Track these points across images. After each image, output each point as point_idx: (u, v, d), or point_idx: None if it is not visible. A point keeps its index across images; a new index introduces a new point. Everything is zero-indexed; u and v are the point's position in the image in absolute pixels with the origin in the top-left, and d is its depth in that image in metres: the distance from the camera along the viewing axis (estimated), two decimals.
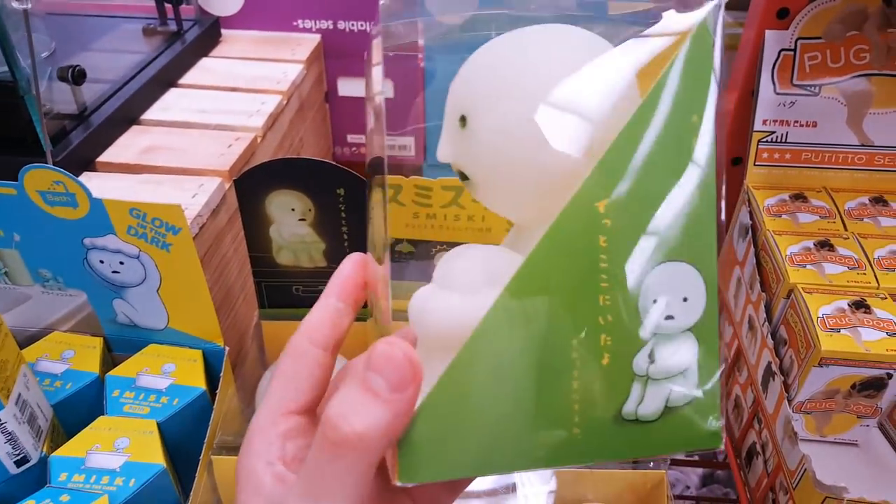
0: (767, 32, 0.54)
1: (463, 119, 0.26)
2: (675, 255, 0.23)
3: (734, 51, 0.63)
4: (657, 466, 0.50)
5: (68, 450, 0.45)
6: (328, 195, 0.54)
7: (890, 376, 0.45)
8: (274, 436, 0.24)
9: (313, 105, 0.78)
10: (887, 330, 0.45)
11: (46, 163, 0.49)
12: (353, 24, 0.81)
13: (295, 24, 0.81)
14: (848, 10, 0.53)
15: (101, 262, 0.49)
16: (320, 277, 0.59)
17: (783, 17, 0.54)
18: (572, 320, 0.23)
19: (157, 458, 0.45)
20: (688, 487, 0.77)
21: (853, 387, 0.46)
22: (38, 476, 0.44)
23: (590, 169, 0.23)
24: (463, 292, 0.24)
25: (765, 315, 0.51)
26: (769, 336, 0.50)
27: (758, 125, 0.56)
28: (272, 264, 0.58)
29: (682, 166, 0.24)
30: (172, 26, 0.73)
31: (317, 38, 0.80)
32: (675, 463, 0.93)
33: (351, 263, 0.28)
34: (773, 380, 0.49)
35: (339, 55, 0.83)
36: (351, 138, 0.87)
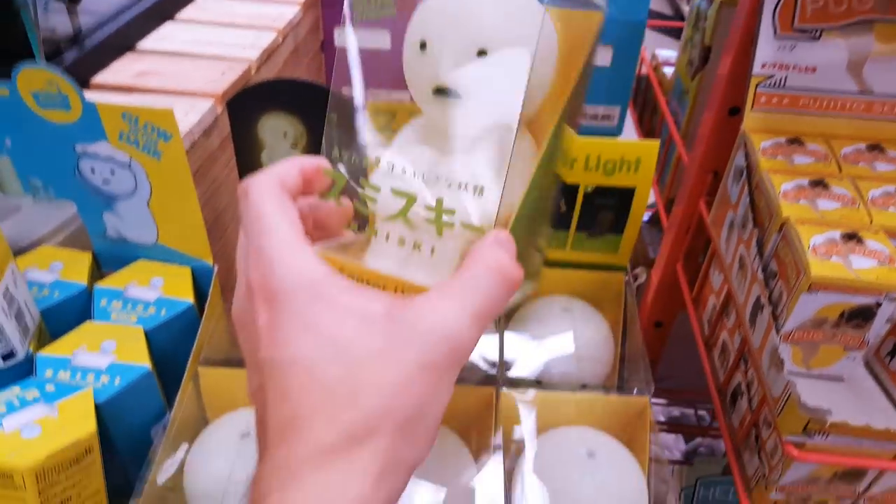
0: None
1: (423, 44, 0.33)
2: None
3: (734, 7, 0.63)
4: (641, 393, 0.50)
5: (54, 349, 0.45)
6: (321, 120, 0.54)
7: (879, 305, 0.45)
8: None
9: (308, 51, 0.77)
10: (879, 259, 0.45)
11: None
12: None
13: None
14: None
15: (93, 170, 0.48)
16: None
17: None
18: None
19: (143, 360, 0.45)
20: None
21: (842, 316, 0.46)
22: (24, 373, 0.44)
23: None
24: None
25: (756, 249, 0.51)
26: (760, 270, 0.50)
27: (756, 69, 0.56)
28: None
29: None
30: None
31: None
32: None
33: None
34: (762, 312, 0.49)
35: (335, 4, 0.82)
36: (346, 91, 0.87)
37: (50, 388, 0.41)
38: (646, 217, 0.97)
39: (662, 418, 1.02)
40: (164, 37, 0.64)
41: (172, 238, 0.52)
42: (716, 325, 0.61)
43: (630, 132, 0.91)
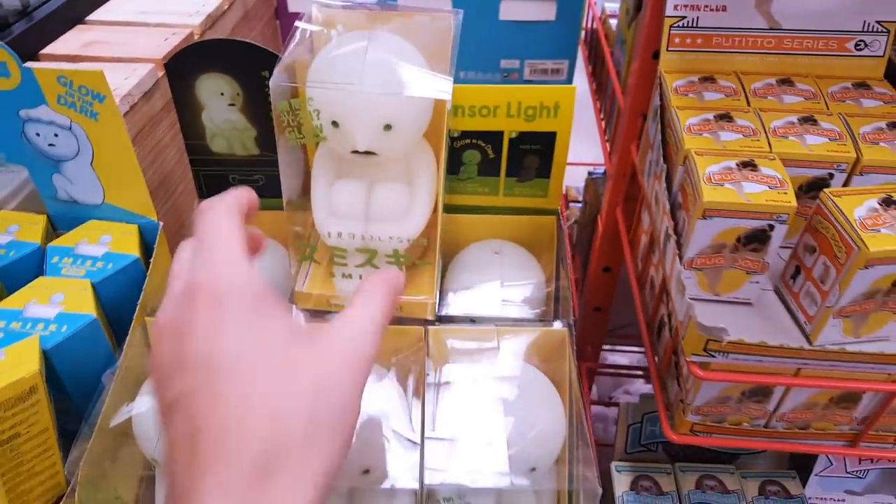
0: None
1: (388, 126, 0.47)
2: None
3: None
4: (563, 325, 0.53)
5: (7, 304, 0.49)
6: (254, 78, 0.57)
7: (772, 227, 0.47)
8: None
9: (261, 17, 0.80)
10: (769, 184, 0.47)
11: None
12: None
13: None
14: None
15: (38, 134, 0.52)
16: (254, 166, 0.62)
17: None
18: None
19: (89, 309, 0.48)
20: None
21: (738, 240, 0.48)
22: None
23: None
24: None
25: (665, 184, 0.54)
26: (667, 203, 0.53)
27: (669, 10, 0.58)
28: (207, 152, 0.61)
29: None
30: None
31: None
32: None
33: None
34: (670, 242, 0.52)
35: None
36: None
37: (0, 336, 0.45)
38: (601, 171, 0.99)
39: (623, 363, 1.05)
40: (112, 9, 0.67)
41: (118, 197, 0.55)
42: (646, 263, 0.64)
43: (582, 85, 0.93)
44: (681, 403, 0.54)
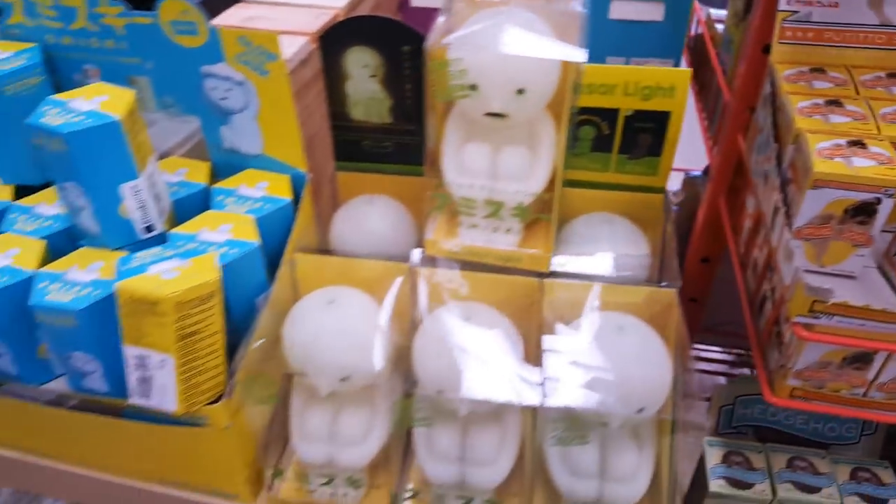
0: None
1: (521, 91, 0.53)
2: None
3: None
4: (669, 286, 0.57)
5: (183, 228, 0.56)
6: (395, 52, 0.63)
7: (879, 201, 0.51)
8: None
9: (389, 9, 0.87)
10: (879, 160, 0.51)
11: None
12: None
13: None
14: None
15: (213, 88, 0.59)
16: (386, 133, 0.68)
17: None
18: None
19: (254, 237, 0.55)
20: None
21: (846, 212, 0.52)
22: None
23: None
24: None
25: (776, 162, 0.57)
26: (777, 178, 0.57)
27: (782, 5, 0.62)
28: (347, 119, 0.68)
29: None
30: None
31: None
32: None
33: None
34: (778, 216, 0.56)
35: None
36: None
37: (181, 250, 0.52)
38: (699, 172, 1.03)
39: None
40: None
41: (275, 149, 0.62)
42: (749, 245, 0.68)
43: None
44: (781, 369, 0.57)
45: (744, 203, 0.71)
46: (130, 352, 0.49)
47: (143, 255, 0.51)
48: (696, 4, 0.94)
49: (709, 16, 0.96)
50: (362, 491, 0.58)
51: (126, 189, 0.52)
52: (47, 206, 0.59)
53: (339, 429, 0.57)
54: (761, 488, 0.64)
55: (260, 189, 0.61)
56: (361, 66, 0.65)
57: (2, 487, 0.67)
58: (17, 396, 0.57)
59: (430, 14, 0.64)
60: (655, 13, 0.84)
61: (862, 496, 0.65)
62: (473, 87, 0.53)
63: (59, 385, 0.57)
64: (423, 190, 0.69)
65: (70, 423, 0.57)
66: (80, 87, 0.60)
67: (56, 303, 0.50)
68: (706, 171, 0.99)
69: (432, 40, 0.53)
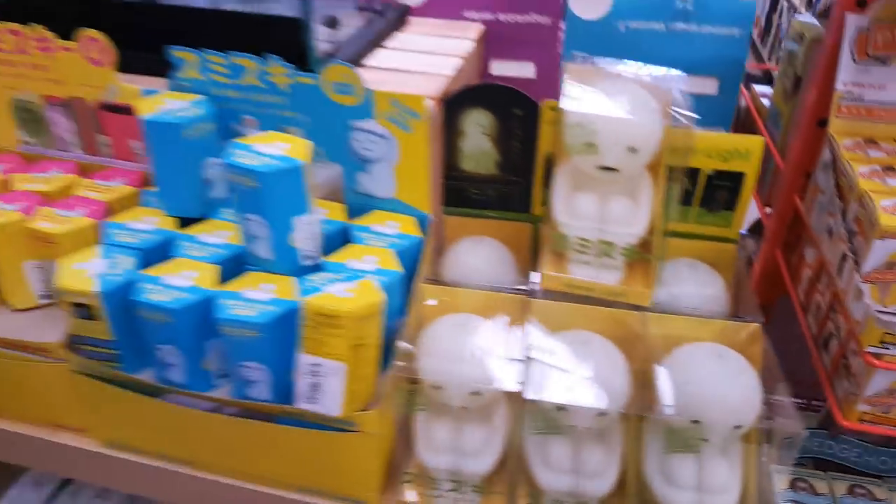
0: (848, 15, 0.72)
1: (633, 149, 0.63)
2: None
3: (820, 42, 0.81)
4: (753, 320, 0.66)
5: (333, 258, 0.65)
6: (508, 114, 0.74)
7: None
8: None
9: (479, 76, 0.98)
10: None
11: None
12: (509, 17, 1.02)
13: (462, 14, 1.03)
14: None
15: (359, 140, 0.69)
16: (490, 183, 0.78)
17: (862, 5, 0.72)
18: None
19: (398, 267, 0.64)
20: None
21: None
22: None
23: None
24: None
25: (841, 217, 0.67)
26: (844, 231, 0.67)
27: (839, 87, 0.73)
28: (457, 169, 0.78)
29: None
30: (378, 6, 0.96)
31: (480, 25, 1.02)
32: None
33: None
34: (846, 262, 0.65)
35: (495, 41, 1.04)
36: None
37: (342, 276, 0.60)
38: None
39: None
40: (379, 59, 0.86)
41: (405, 194, 0.71)
42: (810, 292, 0.77)
43: None
44: (851, 396, 0.66)
45: (801, 255, 0.81)
46: (306, 360, 0.57)
47: (315, 279, 0.59)
48: None
49: (752, 90, 1.08)
50: (482, 497, 0.65)
51: (298, 222, 0.61)
52: (208, 235, 0.68)
53: (463, 441, 0.65)
54: None
55: (392, 227, 0.70)
56: (476, 125, 0.75)
57: (140, 493, 0.73)
58: (179, 404, 0.64)
59: (507, 81, 0.75)
60: (711, 87, 0.95)
61: None
62: (591, 145, 0.63)
63: (220, 393, 0.64)
64: (520, 233, 0.79)
65: (223, 429, 0.65)
66: (237, 134, 0.70)
67: (243, 317, 0.58)
68: (752, 230, 1.10)
69: (563, 105, 0.63)
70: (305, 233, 0.62)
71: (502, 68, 1.05)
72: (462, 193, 0.79)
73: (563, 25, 1.05)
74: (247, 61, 0.66)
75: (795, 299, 0.80)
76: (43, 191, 0.75)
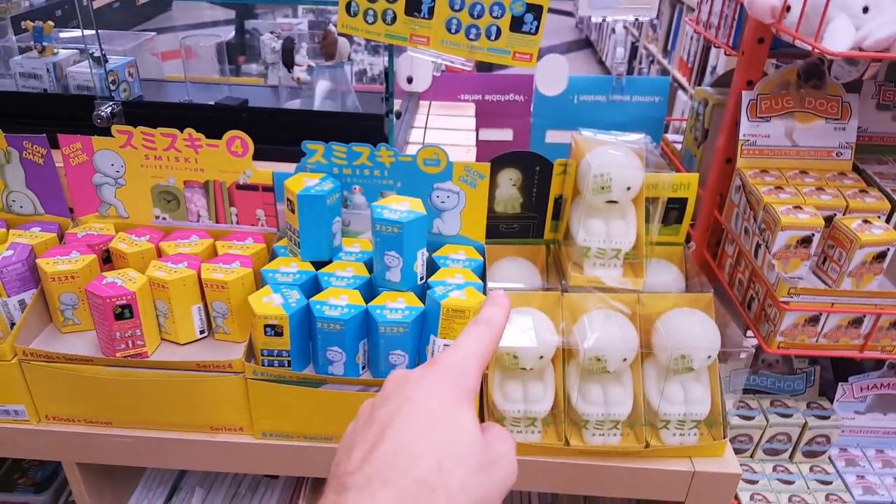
0: (743, 92, 1.11)
1: (629, 188, 0.96)
2: None
3: (723, 107, 1.19)
4: (706, 291, 1.01)
5: (435, 277, 0.95)
6: (530, 171, 1.07)
7: (813, 235, 0.98)
8: None
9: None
10: (809, 214, 0.99)
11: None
12: (493, 97, 1.36)
13: (459, 97, 1.36)
14: (781, 80, 1.10)
15: (438, 196, 1.00)
16: (515, 220, 1.11)
17: (750, 85, 1.11)
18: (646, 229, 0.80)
19: (477, 280, 0.95)
20: None
21: (798, 242, 0.99)
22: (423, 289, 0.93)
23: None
24: None
25: (753, 221, 1.05)
26: (757, 230, 1.04)
27: (742, 136, 1.11)
28: (491, 210, 1.10)
29: None
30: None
31: (472, 105, 1.36)
32: None
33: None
34: (760, 248, 1.02)
35: (482, 115, 1.38)
36: None
37: (450, 287, 0.90)
38: None
39: None
40: (415, 136, 1.18)
41: (467, 231, 1.02)
42: (733, 273, 1.14)
43: None
44: (771, 333, 1.03)
45: (724, 250, 1.18)
46: (440, 342, 0.87)
47: (439, 289, 0.89)
48: None
49: (666, 139, 1.47)
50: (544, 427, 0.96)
51: (419, 254, 0.91)
52: (340, 271, 0.96)
53: (530, 392, 0.96)
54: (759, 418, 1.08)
55: (461, 255, 1.01)
56: (508, 179, 1.07)
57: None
58: (335, 390, 0.91)
59: (490, 145, 1.07)
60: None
61: (816, 416, 1.11)
62: (606, 188, 0.96)
63: (365, 377, 0.92)
64: (537, 252, 1.11)
65: None
66: (347, 200, 0.99)
67: (395, 320, 0.87)
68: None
69: (582, 162, 0.97)
70: (421, 261, 0.92)
71: (488, 134, 1.38)
72: (496, 227, 1.11)
73: (531, 101, 1.41)
74: (363, 148, 0.96)
75: (722, 278, 1.17)
76: (195, 252, 1.01)
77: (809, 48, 0.91)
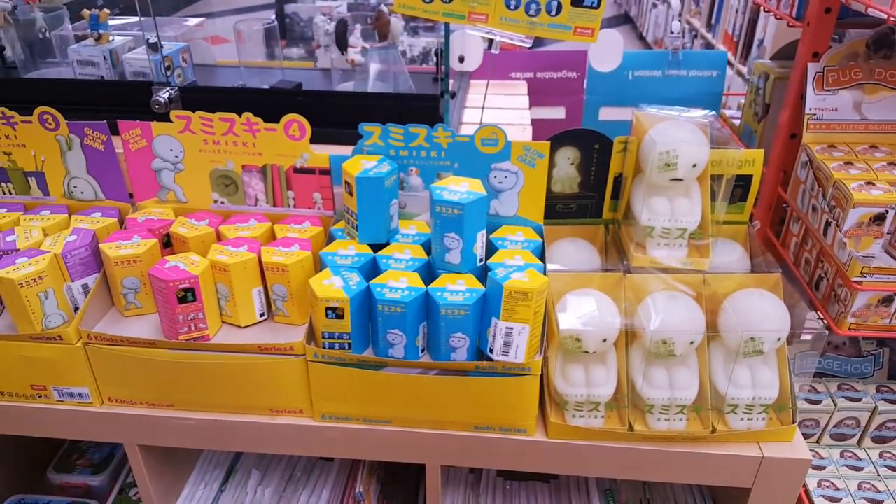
0: (809, 64, 1.06)
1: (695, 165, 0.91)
2: None
3: (786, 80, 1.15)
4: (774, 271, 0.98)
5: (492, 260, 0.93)
6: (589, 149, 1.04)
7: (887, 212, 0.94)
8: None
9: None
10: (883, 190, 0.95)
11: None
12: (546, 74, 1.34)
13: (510, 75, 1.34)
14: (849, 52, 1.06)
15: (496, 177, 0.98)
16: (573, 199, 1.08)
17: (816, 56, 1.07)
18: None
19: (537, 262, 0.93)
20: None
21: (870, 220, 0.95)
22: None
23: None
24: None
25: (822, 198, 1.01)
26: (825, 206, 1.00)
27: (807, 110, 1.07)
28: (549, 190, 1.08)
29: None
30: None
31: (525, 83, 1.33)
32: None
33: None
34: (830, 227, 0.99)
35: (534, 93, 1.35)
36: None
37: (511, 269, 0.89)
38: None
39: None
40: (469, 116, 1.16)
41: (525, 212, 1.01)
42: (799, 252, 1.10)
43: None
44: (841, 314, 0.99)
45: (788, 226, 1.14)
46: (503, 325, 0.86)
47: (500, 272, 0.88)
48: None
49: (724, 115, 1.43)
50: (606, 411, 0.94)
51: (479, 236, 0.90)
52: (399, 254, 0.95)
53: (592, 376, 0.94)
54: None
55: (520, 236, 0.99)
56: (566, 158, 1.05)
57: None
58: (395, 372, 0.91)
59: (544, 122, 1.04)
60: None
61: (886, 400, 1.07)
62: (670, 165, 0.93)
63: (425, 359, 0.92)
64: (596, 232, 1.09)
65: (425, 387, 0.91)
66: (403, 181, 0.98)
67: (456, 302, 0.86)
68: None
69: (645, 139, 0.94)
70: (481, 243, 0.91)
71: (540, 112, 1.36)
72: (553, 208, 1.09)
73: (584, 78, 1.38)
74: (420, 129, 0.95)
75: (787, 258, 1.13)
76: (254, 236, 1.01)
77: (885, 17, 0.87)
